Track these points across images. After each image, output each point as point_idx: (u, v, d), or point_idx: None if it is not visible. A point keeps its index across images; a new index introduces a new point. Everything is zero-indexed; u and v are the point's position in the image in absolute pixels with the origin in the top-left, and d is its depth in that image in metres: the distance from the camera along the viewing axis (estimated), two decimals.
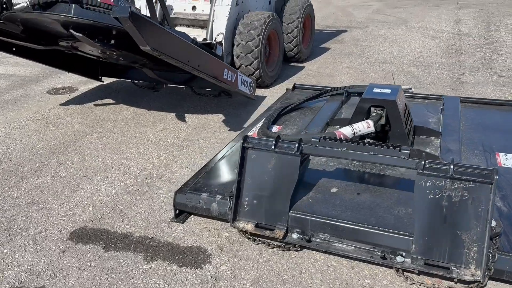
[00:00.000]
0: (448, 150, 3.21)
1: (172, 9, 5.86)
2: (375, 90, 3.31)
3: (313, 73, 6.50)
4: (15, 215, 3.05)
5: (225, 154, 3.46)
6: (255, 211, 2.69)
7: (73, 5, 3.58)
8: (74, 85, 6.04)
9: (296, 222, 2.61)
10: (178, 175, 3.57)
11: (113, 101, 5.36)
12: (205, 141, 4.22)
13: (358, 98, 4.51)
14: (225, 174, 3.17)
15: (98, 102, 5.35)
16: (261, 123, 4.01)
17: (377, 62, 7.04)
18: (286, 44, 6.58)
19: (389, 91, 3.28)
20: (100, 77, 5.72)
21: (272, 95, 5.50)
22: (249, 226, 2.68)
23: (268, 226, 2.66)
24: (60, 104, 5.29)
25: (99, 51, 4.28)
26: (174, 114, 4.94)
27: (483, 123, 3.85)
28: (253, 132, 3.83)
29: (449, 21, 10.79)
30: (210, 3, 5.54)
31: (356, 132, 3.05)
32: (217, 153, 3.51)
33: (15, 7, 3.63)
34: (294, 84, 5.00)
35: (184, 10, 5.85)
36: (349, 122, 3.28)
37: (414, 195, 2.37)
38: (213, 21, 5.49)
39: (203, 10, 5.77)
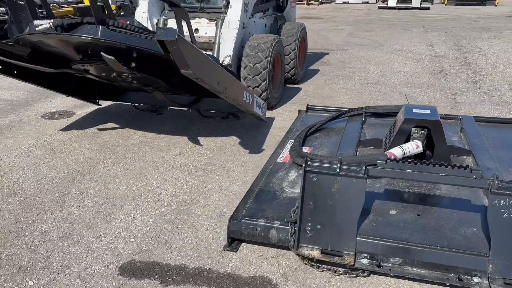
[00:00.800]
0: (487, 169, 3.27)
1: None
2: (415, 111, 3.34)
3: (312, 94, 6.54)
4: (50, 251, 2.81)
5: (267, 177, 3.36)
6: (319, 237, 2.61)
7: (100, 26, 3.43)
8: (69, 109, 5.77)
9: (365, 246, 2.55)
10: (213, 201, 3.43)
11: (117, 125, 5.14)
12: (228, 164, 4.11)
13: (374, 118, 4.60)
14: (275, 197, 3.07)
15: (101, 126, 5.11)
16: (288, 145, 3.95)
17: (369, 83, 7.19)
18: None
19: (428, 111, 3.32)
20: (97, 101, 5.50)
21: (279, 116, 5.48)
22: (315, 253, 2.58)
23: (335, 252, 2.57)
24: (60, 130, 5.01)
25: (114, 74, 4.11)
26: (186, 137, 4.79)
27: (504, 142, 3.97)
28: (284, 155, 3.76)
29: (422, 44, 11.26)
30: (216, 26, 5.49)
31: (406, 153, 3.06)
32: (258, 176, 3.40)
33: (37, 29, 3.43)
34: (307, 105, 4.99)
35: (186, 32, 5.76)
36: (391, 142, 3.28)
37: (488, 214, 2.38)
38: (219, 43, 5.44)
39: (206, 33, 5.71)
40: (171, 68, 3.92)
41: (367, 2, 27.11)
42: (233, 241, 2.86)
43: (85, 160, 4.19)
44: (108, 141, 4.66)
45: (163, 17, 5.85)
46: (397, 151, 3.05)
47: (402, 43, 11.43)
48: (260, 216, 2.82)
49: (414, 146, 3.05)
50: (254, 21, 6.15)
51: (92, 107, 5.73)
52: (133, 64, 3.83)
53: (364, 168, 2.55)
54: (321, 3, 26.61)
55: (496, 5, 24.09)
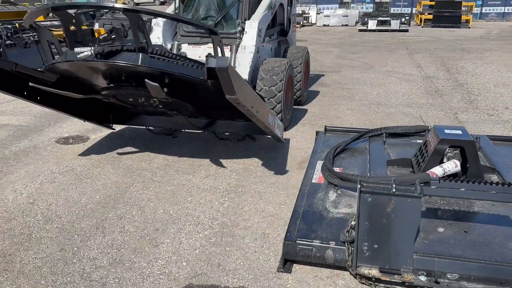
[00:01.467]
0: None
1: (186, 55, 5.84)
2: (447, 131, 3.49)
3: (319, 115, 6.69)
4: (104, 278, 2.79)
5: (308, 198, 3.43)
6: (377, 256, 2.68)
7: (141, 54, 3.50)
8: (81, 134, 5.74)
9: (422, 264, 2.63)
10: (253, 223, 3.48)
11: (136, 149, 5.15)
12: (258, 186, 4.16)
13: (392, 138, 4.76)
14: (322, 218, 3.14)
15: (120, 150, 5.11)
16: (318, 166, 4.05)
17: (371, 104, 7.40)
18: None
19: (460, 132, 3.48)
20: (111, 125, 5.50)
21: (293, 137, 5.58)
22: (374, 272, 2.66)
23: (394, 270, 2.65)
24: (79, 155, 4.98)
25: (143, 99, 4.16)
26: (208, 159, 4.83)
27: None
28: (317, 176, 3.85)
29: (411, 65, 11.66)
30: (230, 50, 5.60)
31: (446, 172, 3.19)
32: (298, 197, 3.47)
33: (78, 56, 3.46)
34: (325, 126, 5.11)
35: (199, 57, 5.85)
36: (427, 162, 3.42)
37: None
38: (235, 67, 5.54)
39: None
40: (204, 93, 4.02)
41: (346, 25, 27.85)
42: (286, 262, 2.91)
43: (113, 184, 4.18)
44: (131, 165, 4.66)
45: (176, 42, 5.94)
46: (438, 171, 3.18)
47: (392, 64, 11.81)
48: (313, 237, 2.88)
49: (453, 166, 3.19)
50: (263, 46, 6.30)
51: (105, 132, 5.71)
52: (166, 90, 3.89)
53: (419, 187, 2.66)
54: (303, 26, 27.20)
55: (469, 27, 25.11)
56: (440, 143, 3.40)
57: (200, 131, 5.61)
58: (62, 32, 13.34)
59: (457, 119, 6.50)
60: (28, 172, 4.48)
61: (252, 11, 5.88)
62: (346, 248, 2.75)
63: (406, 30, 23.33)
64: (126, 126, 5.84)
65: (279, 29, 7.27)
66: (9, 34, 10.28)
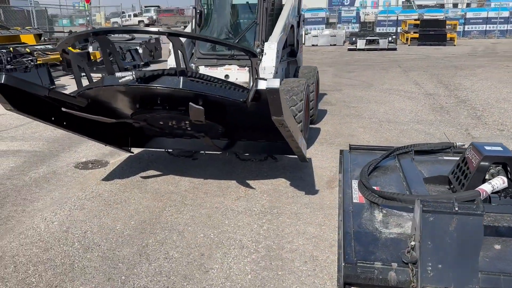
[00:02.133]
0: None
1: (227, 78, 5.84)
2: (488, 148, 3.51)
3: (334, 133, 6.72)
4: None
5: (354, 218, 3.40)
6: (441, 276, 2.65)
7: (181, 77, 3.48)
8: (99, 158, 5.64)
9: (488, 282, 2.61)
10: (298, 245, 3.43)
11: (159, 172, 5.07)
12: (292, 207, 4.13)
13: (419, 156, 4.78)
14: (376, 239, 3.10)
15: (143, 174, 5.03)
16: (354, 185, 4.03)
17: (381, 121, 7.47)
18: None
19: (500, 148, 3.49)
20: (130, 148, 5.43)
21: (314, 157, 5.57)
22: None
23: None
24: (102, 180, 4.88)
25: (173, 122, 4.13)
26: (234, 181, 4.78)
27: None
28: (357, 195, 3.82)
29: (409, 83, 11.85)
30: (249, 72, 5.62)
31: (495, 189, 3.20)
32: (345, 218, 3.43)
33: (120, 81, 3.42)
34: (350, 145, 5.10)
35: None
36: (471, 179, 3.43)
37: None
38: None
39: (236, 79, 5.82)
40: (239, 114, 4.01)
41: (335, 44, 28.29)
42: (345, 286, 2.86)
43: (145, 209, 4.10)
44: (159, 189, 4.58)
45: (192, 64, 5.94)
46: (487, 187, 3.18)
47: (390, 82, 11.98)
48: (373, 259, 2.84)
49: (501, 182, 3.19)
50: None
51: (123, 155, 5.63)
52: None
53: (481, 205, 2.66)
54: None
55: (455, 45, 25.75)
56: (483, 160, 3.42)
57: (219, 152, 5.58)
58: (58, 56, 13.14)
59: (469, 135, 6.59)
60: (54, 199, 4.37)
61: (268, 33, 5.93)
62: (409, 269, 2.72)
63: (395, 49, 23.77)
64: (143, 149, 5.77)
65: (289, 50, 7.34)
66: (8, 58, 10.18)
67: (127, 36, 17.17)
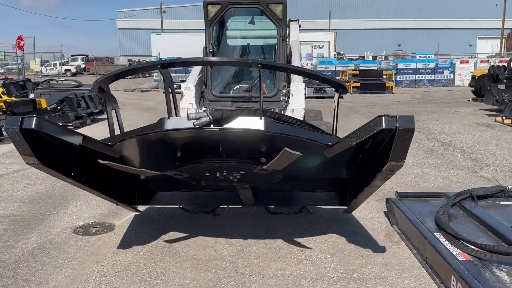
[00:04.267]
0: None
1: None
2: None
3: None
4: None
5: (477, 281, 2.86)
6: None
7: (264, 118, 2.86)
8: (100, 220, 4.67)
9: None
10: None
11: (184, 234, 4.23)
12: (373, 270, 3.50)
13: (485, 200, 4.46)
14: None
15: (166, 237, 4.16)
16: (441, 239, 3.52)
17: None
18: None
19: None
20: (136, 206, 4.55)
21: None
22: None
23: None
24: (118, 248, 3.95)
25: (224, 173, 3.44)
26: (281, 240, 4.08)
27: None
28: (455, 252, 3.31)
29: None
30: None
31: None
32: (466, 281, 2.87)
33: (195, 123, 2.70)
34: (397, 192, 4.66)
35: None
36: None
37: None
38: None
39: None
40: (314, 160, 3.45)
41: None
42: None
43: (196, 283, 3.27)
44: (196, 256, 3.75)
45: (203, 108, 5.31)
46: None
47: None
48: None
49: None
50: None
51: (127, 215, 4.72)
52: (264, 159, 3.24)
53: None
54: None
55: (393, 93, 27.17)
56: None
57: (239, 206, 4.86)
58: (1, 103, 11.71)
59: (482, 177, 6.44)
60: (69, 278, 3.38)
61: (288, 74, 5.49)
62: None
63: (341, 97, 24.46)
64: (148, 206, 4.89)
65: None
66: None
67: (73, 83, 16.22)
